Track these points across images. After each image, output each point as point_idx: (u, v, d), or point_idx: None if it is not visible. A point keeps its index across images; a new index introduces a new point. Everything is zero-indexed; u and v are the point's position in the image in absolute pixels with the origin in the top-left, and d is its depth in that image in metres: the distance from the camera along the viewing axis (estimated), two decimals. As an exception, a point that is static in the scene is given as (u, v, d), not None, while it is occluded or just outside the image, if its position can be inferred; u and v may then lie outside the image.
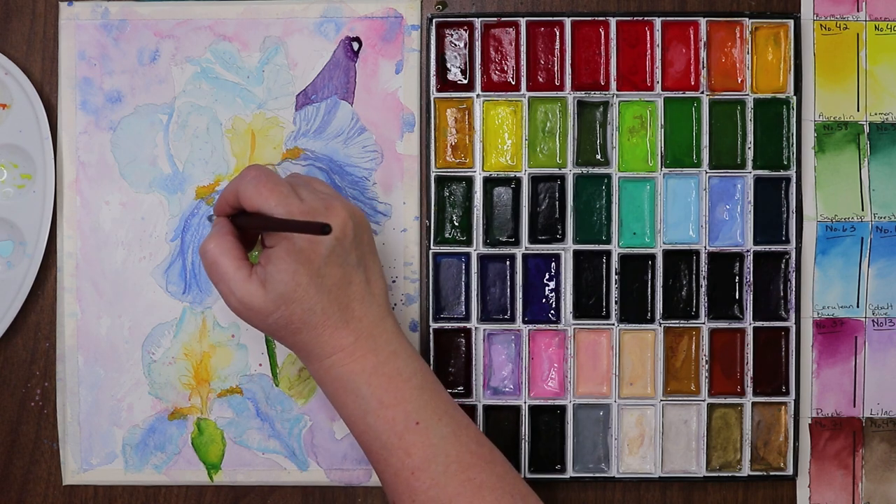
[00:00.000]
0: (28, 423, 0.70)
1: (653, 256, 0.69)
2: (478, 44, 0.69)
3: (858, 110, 0.71)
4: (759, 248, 0.70)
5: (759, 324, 0.69)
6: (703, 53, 0.69)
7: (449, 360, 0.69)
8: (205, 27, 0.69)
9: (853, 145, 0.71)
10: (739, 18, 0.70)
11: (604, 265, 0.70)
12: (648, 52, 0.70)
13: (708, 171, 0.70)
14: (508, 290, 0.69)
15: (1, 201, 0.69)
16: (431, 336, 0.69)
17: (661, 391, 0.69)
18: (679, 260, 0.70)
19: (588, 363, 0.70)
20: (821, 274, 0.70)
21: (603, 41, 0.70)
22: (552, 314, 0.69)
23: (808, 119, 0.70)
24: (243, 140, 0.70)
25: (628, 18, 0.69)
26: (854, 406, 0.70)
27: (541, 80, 0.70)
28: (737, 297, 0.70)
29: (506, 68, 0.70)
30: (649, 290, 0.69)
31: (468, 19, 0.69)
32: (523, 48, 0.69)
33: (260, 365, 0.70)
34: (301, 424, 0.69)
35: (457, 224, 0.70)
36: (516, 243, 0.69)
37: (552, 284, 0.70)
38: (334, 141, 0.70)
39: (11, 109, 0.68)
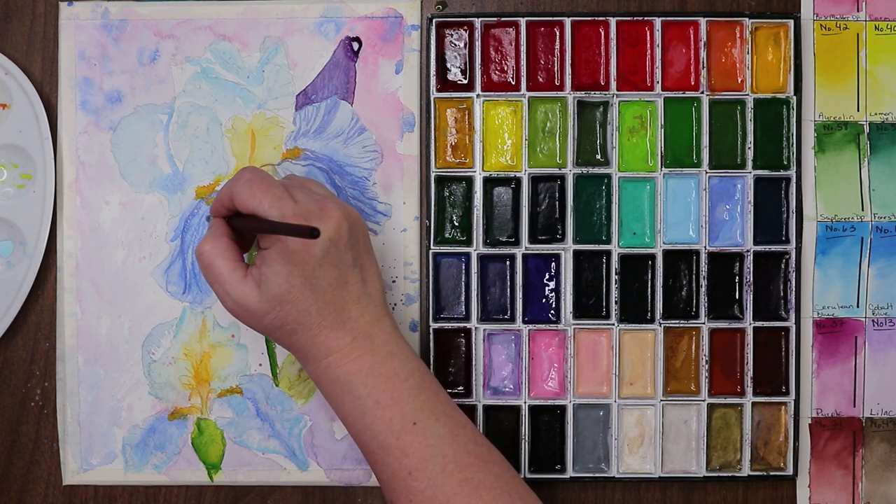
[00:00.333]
0: (28, 423, 0.70)
1: (653, 256, 0.69)
2: (478, 44, 0.69)
3: (858, 110, 0.71)
4: (759, 248, 0.69)
5: (759, 324, 0.69)
6: (703, 53, 0.69)
7: (449, 361, 0.69)
8: (205, 27, 0.69)
9: (853, 145, 0.70)
10: (739, 18, 0.70)
11: (604, 265, 0.69)
12: (648, 52, 0.70)
13: (708, 171, 0.69)
14: (508, 290, 0.69)
15: (1, 201, 0.69)
16: (431, 336, 0.69)
17: (661, 391, 0.69)
18: (679, 260, 0.70)
19: (588, 363, 0.70)
20: (821, 274, 0.70)
21: (603, 41, 0.70)
22: (552, 314, 0.69)
23: (808, 119, 0.70)
24: (243, 140, 0.70)
25: (628, 18, 0.69)
26: (854, 406, 0.70)
27: (541, 80, 0.70)
28: (737, 297, 0.69)
29: (506, 68, 0.70)
30: (649, 290, 0.69)
31: (468, 19, 0.69)
32: (523, 48, 0.69)
33: (260, 365, 0.70)
34: (301, 424, 0.69)
35: (457, 224, 0.70)
36: (516, 243, 0.69)
37: (552, 284, 0.69)
38: (334, 141, 0.70)
39: (11, 109, 0.68)
